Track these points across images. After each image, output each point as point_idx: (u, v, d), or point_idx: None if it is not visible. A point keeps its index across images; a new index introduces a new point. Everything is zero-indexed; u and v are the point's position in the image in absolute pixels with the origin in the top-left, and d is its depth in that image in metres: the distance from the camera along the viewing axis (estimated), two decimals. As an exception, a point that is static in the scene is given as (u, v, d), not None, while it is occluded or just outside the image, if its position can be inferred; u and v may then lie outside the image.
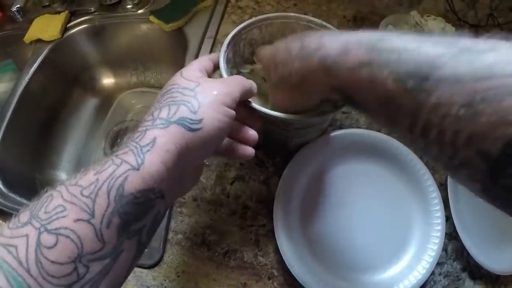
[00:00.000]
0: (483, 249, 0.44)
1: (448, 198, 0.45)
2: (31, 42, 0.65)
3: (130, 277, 0.42)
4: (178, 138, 0.26)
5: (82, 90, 0.73)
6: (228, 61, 0.41)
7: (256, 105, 0.36)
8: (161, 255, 0.44)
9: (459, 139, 0.20)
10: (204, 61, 0.34)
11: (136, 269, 0.43)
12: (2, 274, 0.20)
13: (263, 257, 0.43)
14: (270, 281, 0.42)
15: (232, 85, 0.31)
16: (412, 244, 0.43)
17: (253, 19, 0.43)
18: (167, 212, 0.46)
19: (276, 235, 0.42)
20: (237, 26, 0.43)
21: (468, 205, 0.47)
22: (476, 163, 0.20)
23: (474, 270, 0.44)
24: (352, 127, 0.52)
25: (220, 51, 0.40)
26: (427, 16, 0.58)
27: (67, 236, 0.21)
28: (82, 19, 0.68)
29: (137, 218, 0.24)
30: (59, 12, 0.68)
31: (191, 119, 0.26)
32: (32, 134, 0.64)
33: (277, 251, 0.43)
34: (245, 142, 0.34)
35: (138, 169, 0.23)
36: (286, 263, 0.40)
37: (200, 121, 0.27)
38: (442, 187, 0.47)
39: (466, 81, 0.20)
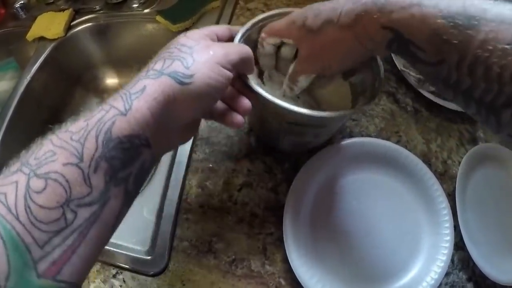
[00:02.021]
0: (489, 259, 0.44)
1: (456, 208, 0.45)
2: (33, 40, 0.64)
3: (134, 285, 0.41)
4: (167, 89, 0.26)
5: (85, 90, 0.72)
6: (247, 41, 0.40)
7: (253, 83, 0.35)
8: (166, 262, 0.43)
9: (505, 74, 0.23)
10: (218, 28, 0.34)
11: (140, 277, 0.42)
12: None
13: (271, 266, 0.43)
14: (278, 291, 0.42)
15: (230, 49, 0.31)
16: (422, 255, 0.43)
17: (263, 15, 0.41)
18: (173, 218, 0.45)
19: (285, 244, 0.41)
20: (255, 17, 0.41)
21: (475, 215, 0.47)
22: None
23: (479, 280, 0.44)
24: (362, 135, 0.51)
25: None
26: None
27: (56, 180, 0.21)
28: (87, 17, 0.67)
29: (123, 164, 0.24)
30: (63, 10, 0.67)
31: (183, 73, 0.27)
32: (33, 134, 0.61)
33: (285, 260, 0.42)
34: (237, 110, 0.34)
35: (125, 114, 0.24)
36: (295, 272, 0.40)
37: (191, 76, 0.27)
38: (450, 197, 0.47)
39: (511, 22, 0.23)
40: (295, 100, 0.43)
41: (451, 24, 0.24)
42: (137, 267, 0.43)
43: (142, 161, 0.25)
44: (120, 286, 0.42)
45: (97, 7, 0.67)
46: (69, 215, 0.21)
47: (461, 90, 0.26)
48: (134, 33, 0.69)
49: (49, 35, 0.64)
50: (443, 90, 0.28)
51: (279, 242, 0.43)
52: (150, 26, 0.67)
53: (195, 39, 0.30)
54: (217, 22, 0.62)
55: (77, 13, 0.67)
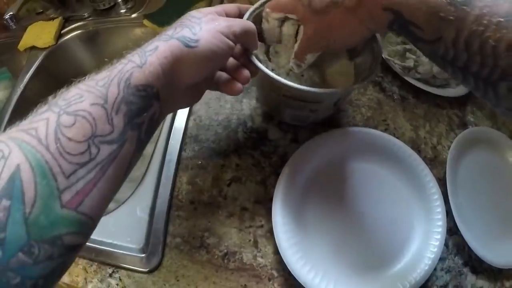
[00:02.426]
0: (484, 243, 0.44)
1: (447, 193, 0.45)
2: (25, 50, 0.65)
3: (130, 282, 0.42)
4: (175, 49, 0.29)
5: (78, 96, 0.73)
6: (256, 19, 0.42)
7: (254, 58, 0.38)
8: (160, 259, 0.43)
9: (500, 47, 0.23)
10: (228, 6, 0.38)
11: (135, 275, 0.43)
12: (21, 152, 0.21)
13: (263, 258, 0.43)
14: (271, 282, 0.42)
15: (234, 22, 0.34)
16: (414, 241, 0.43)
17: None
18: (165, 216, 0.45)
19: (275, 235, 0.41)
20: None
21: (467, 199, 0.47)
22: None
23: (475, 264, 0.44)
24: (349, 125, 0.52)
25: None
26: None
27: (84, 117, 0.24)
28: (76, 25, 0.68)
29: (139, 110, 0.27)
30: (52, 19, 0.68)
31: (189, 38, 0.30)
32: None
33: (276, 251, 0.42)
34: (238, 79, 0.38)
35: (141, 67, 0.27)
36: (286, 263, 0.40)
37: (197, 41, 0.31)
38: (441, 182, 0.47)
39: None
40: (299, 78, 0.44)
41: (448, 1, 0.26)
42: (132, 265, 0.43)
43: (153, 112, 0.29)
44: (117, 284, 0.42)
45: (86, 14, 0.68)
46: (93, 150, 0.24)
47: (458, 65, 0.27)
48: (123, 38, 0.69)
49: (40, 44, 0.65)
50: (442, 66, 0.30)
51: (270, 234, 0.44)
52: (138, 31, 0.68)
53: (205, 13, 0.34)
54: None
55: (66, 21, 0.68)
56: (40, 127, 0.23)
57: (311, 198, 0.45)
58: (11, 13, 0.62)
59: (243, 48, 0.39)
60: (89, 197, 0.23)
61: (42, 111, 0.24)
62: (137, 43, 0.69)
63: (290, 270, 0.40)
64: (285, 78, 0.38)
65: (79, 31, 0.68)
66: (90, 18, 0.68)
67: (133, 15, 0.68)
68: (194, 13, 0.34)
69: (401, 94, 0.55)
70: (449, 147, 0.50)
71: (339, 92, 0.41)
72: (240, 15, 0.40)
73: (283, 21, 0.40)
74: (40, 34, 0.66)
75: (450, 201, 0.45)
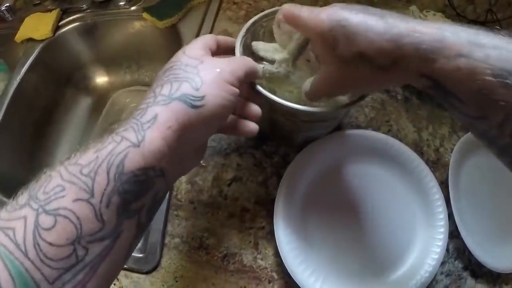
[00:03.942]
0: (484, 247, 0.43)
1: (449, 196, 0.45)
2: (22, 42, 0.64)
3: (128, 283, 0.42)
4: (180, 114, 0.25)
5: (75, 90, 0.72)
6: (245, 47, 0.40)
7: (263, 90, 0.36)
8: (158, 260, 0.43)
9: None
10: (208, 39, 0.33)
11: (133, 275, 0.42)
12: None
13: (263, 260, 0.43)
14: (270, 284, 0.41)
15: (236, 64, 0.30)
16: (416, 247, 0.43)
17: (276, 8, 0.42)
18: (163, 215, 0.45)
19: (276, 238, 0.41)
20: (256, 15, 0.42)
21: (469, 202, 0.47)
22: None
23: (475, 268, 0.44)
24: (352, 126, 0.51)
25: (237, 36, 0.40)
26: (426, 11, 0.57)
27: (66, 217, 0.21)
28: (74, 17, 0.67)
29: (137, 196, 0.23)
30: (50, 10, 0.66)
31: (193, 96, 0.26)
32: (25, 135, 0.62)
33: (277, 253, 0.42)
34: (248, 117, 0.34)
35: (138, 146, 0.23)
36: (287, 266, 0.39)
37: (202, 97, 0.26)
38: (443, 185, 0.46)
39: None
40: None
41: (502, 83, 0.23)
42: (130, 265, 0.43)
43: (156, 192, 0.25)
44: (114, 284, 0.42)
45: (84, 6, 0.67)
46: (80, 252, 0.21)
47: (498, 145, 0.25)
48: (122, 31, 0.68)
49: (37, 36, 0.63)
50: (478, 137, 0.27)
51: (271, 236, 0.43)
52: (137, 24, 0.67)
53: (197, 56, 0.29)
54: (204, 17, 0.61)
55: (64, 13, 0.67)
56: (18, 228, 0.20)
57: (313, 201, 0.44)
58: (8, 4, 0.61)
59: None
60: None
61: (21, 204, 0.21)
62: (136, 37, 0.68)
63: (291, 273, 0.39)
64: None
65: (77, 23, 0.66)
66: (88, 10, 0.67)
67: (132, 8, 0.66)
68: (186, 60, 0.28)
69: (404, 95, 0.55)
70: (451, 149, 0.49)
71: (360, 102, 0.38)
72: (219, 47, 0.34)
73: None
74: (37, 26, 0.64)
75: (452, 205, 0.44)
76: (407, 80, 0.28)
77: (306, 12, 0.29)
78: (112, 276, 0.24)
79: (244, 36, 0.40)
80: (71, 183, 0.22)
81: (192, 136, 0.26)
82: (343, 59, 0.28)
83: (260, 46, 0.39)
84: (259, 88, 0.36)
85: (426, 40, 0.25)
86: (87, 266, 0.21)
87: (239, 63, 0.31)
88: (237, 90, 0.29)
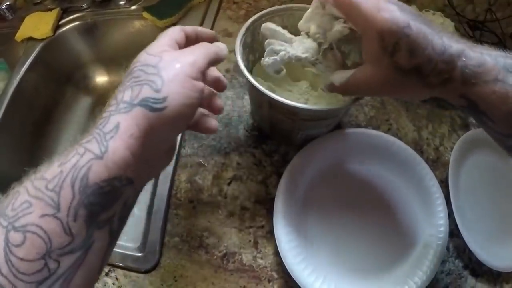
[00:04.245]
0: (484, 246, 0.43)
1: (449, 195, 0.45)
2: (22, 41, 0.64)
3: (127, 282, 0.41)
4: (142, 120, 0.24)
5: (75, 89, 0.71)
6: (245, 45, 0.41)
7: (263, 88, 0.36)
8: (158, 259, 0.43)
9: None
10: (174, 32, 0.30)
11: (132, 274, 0.42)
12: None
13: (263, 259, 0.43)
14: (270, 284, 0.41)
15: (196, 54, 0.28)
16: (416, 245, 0.43)
17: (276, 7, 0.42)
18: (163, 214, 0.45)
19: (276, 237, 0.41)
20: (257, 13, 0.43)
21: (469, 201, 0.46)
22: None
23: (476, 267, 0.44)
24: (352, 124, 0.51)
25: (238, 35, 0.40)
26: (426, 11, 0.57)
27: (34, 233, 0.21)
28: (74, 16, 0.67)
29: (104, 207, 0.23)
30: (50, 9, 0.66)
31: (154, 99, 0.24)
32: (25, 134, 0.62)
33: (276, 252, 0.42)
34: (212, 112, 0.33)
35: (101, 158, 0.23)
36: (286, 265, 0.39)
37: (164, 99, 0.25)
38: (443, 184, 0.46)
39: None
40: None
41: None
42: (129, 264, 0.43)
43: (125, 200, 0.24)
44: (113, 283, 0.42)
45: (84, 5, 0.67)
46: (52, 265, 0.21)
47: None
48: (122, 30, 0.68)
49: (37, 35, 0.63)
50: (506, 150, 0.29)
51: (270, 235, 0.43)
52: (137, 23, 0.67)
53: (156, 53, 0.27)
54: (204, 17, 0.61)
55: (64, 12, 0.67)
56: None
57: (313, 199, 0.44)
58: (8, 3, 0.61)
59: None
60: None
61: None
62: (137, 36, 0.68)
63: (291, 272, 0.39)
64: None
65: (77, 23, 0.67)
66: (88, 10, 0.67)
67: (133, 7, 0.66)
68: (145, 59, 0.26)
69: (404, 94, 0.54)
70: (451, 148, 0.49)
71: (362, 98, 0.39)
72: (188, 38, 0.31)
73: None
74: (37, 25, 0.64)
75: (452, 204, 0.44)
76: (444, 97, 0.29)
77: (366, 4, 0.28)
78: (89, 284, 0.24)
79: (244, 35, 0.40)
80: (37, 198, 0.22)
81: (158, 139, 0.26)
82: (397, 68, 0.28)
83: (273, 41, 0.38)
84: (260, 87, 0.36)
85: (469, 65, 0.27)
86: (60, 278, 0.21)
87: (199, 52, 0.28)
88: (201, 85, 0.27)
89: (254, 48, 0.45)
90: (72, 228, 0.22)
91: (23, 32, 0.63)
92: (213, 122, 0.33)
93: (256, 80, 0.37)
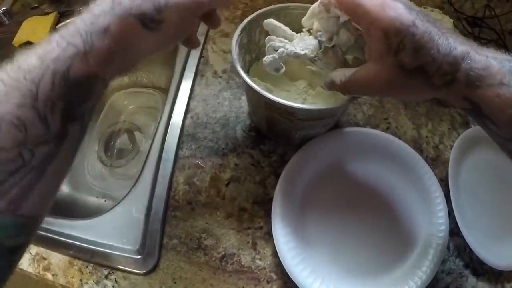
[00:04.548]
0: (485, 245, 0.43)
1: (449, 194, 0.44)
2: (20, 45, 0.64)
3: (126, 284, 0.41)
4: (131, 32, 0.25)
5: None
6: (241, 46, 0.41)
7: (259, 88, 0.35)
8: (157, 261, 0.42)
9: None
10: None
11: (131, 276, 0.42)
12: None
13: (261, 260, 0.42)
14: (269, 285, 0.41)
15: None
16: (416, 245, 0.42)
17: (272, 6, 0.42)
18: (161, 216, 0.44)
19: (274, 238, 0.41)
20: (253, 12, 0.43)
21: (469, 200, 0.46)
22: None
23: (476, 266, 0.43)
24: (350, 123, 0.50)
25: (234, 35, 0.40)
26: (424, 7, 0.56)
27: (11, 122, 0.21)
28: (72, 19, 0.67)
29: (80, 102, 0.24)
30: (47, 13, 0.66)
31: (151, 17, 0.25)
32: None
33: (275, 254, 0.42)
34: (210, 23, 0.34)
35: (85, 54, 0.23)
36: (285, 266, 0.39)
37: (159, 22, 0.25)
38: (443, 183, 0.46)
39: None
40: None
41: None
42: (128, 266, 0.42)
43: (98, 96, 0.25)
44: (113, 286, 0.42)
45: (81, 9, 0.66)
46: (26, 155, 0.21)
47: None
48: (119, 33, 0.68)
49: (35, 39, 0.63)
50: (505, 152, 0.29)
51: (269, 236, 0.43)
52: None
53: None
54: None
55: (61, 16, 0.67)
56: None
57: (312, 200, 0.44)
58: (5, 8, 0.61)
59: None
60: (28, 200, 0.22)
61: None
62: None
63: (289, 273, 0.39)
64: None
65: (74, 26, 0.66)
66: (85, 13, 0.67)
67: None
68: None
69: (403, 92, 0.54)
70: (451, 146, 0.49)
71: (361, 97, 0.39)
72: None
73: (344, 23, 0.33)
74: (35, 29, 0.64)
75: (452, 202, 0.44)
76: (447, 98, 0.29)
77: (371, 2, 0.27)
78: (59, 179, 0.25)
79: (239, 35, 0.40)
80: (14, 88, 0.22)
81: (140, 49, 0.26)
82: (401, 67, 0.27)
83: (274, 37, 0.38)
84: (256, 87, 0.36)
85: (474, 68, 0.26)
86: (33, 169, 0.22)
87: None
88: (197, 21, 0.28)
89: (251, 49, 0.45)
90: (48, 119, 0.22)
91: (20, 36, 0.63)
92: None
93: (253, 81, 0.37)
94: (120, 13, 0.24)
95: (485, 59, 0.26)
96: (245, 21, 0.41)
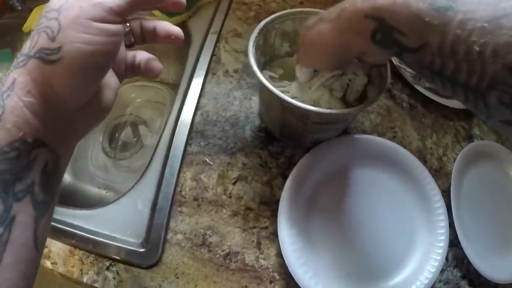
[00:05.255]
0: (483, 257, 0.44)
1: (450, 205, 0.45)
2: (29, 32, 0.64)
3: (127, 277, 0.41)
4: (37, 75, 0.21)
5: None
6: (257, 48, 0.41)
7: (277, 90, 0.36)
8: (160, 255, 0.42)
9: (486, 52, 0.22)
10: None
11: (133, 269, 0.42)
12: None
13: (265, 260, 0.43)
14: (272, 284, 0.41)
15: None
16: (416, 253, 0.43)
17: (288, 10, 0.43)
18: (167, 211, 0.44)
19: (279, 238, 0.41)
20: (270, 15, 0.43)
21: (469, 212, 0.47)
22: (504, 81, 0.21)
23: (473, 278, 0.44)
24: (357, 130, 0.51)
25: (250, 36, 0.41)
26: None
27: None
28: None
29: (18, 175, 0.21)
30: (59, 1, 0.66)
31: (48, 49, 0.21)
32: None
33: (279, 254, 0.42)
34: (145, 72, 0.29)
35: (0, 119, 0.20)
36: (289, 267, 0.40)
37: (57, 50, 0.21)
38: (445, 194, 0.47)
39: (489, 2, 0.23)
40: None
41: (432, 6, 0.25)
42: (131, 259, 0.42)
43: (43, 164, 0.22)
44: (114, 278, 0.42)
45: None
46: None
47: (447, 75, 0.26)
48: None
49: (44, 27, 0.63)
50: (430, 79, 0.28)
51: (274, 236, 0.43)
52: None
53: None
54: (214, 16, 0.61)
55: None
56: None
57: (318, 203, 0.44)
58: (18, -8, 0.61)
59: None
60: None
61: None
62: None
63: (293, 275, 0.39)
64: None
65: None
66: (98, 2, 0.67)
67: None
68: (52, 2, 0.23)
69: (410, 103, 0.55)
70: (454, 159, 0.50)
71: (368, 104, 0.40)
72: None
73: None
74: (44, 16, 0.64)
75: (453, 214, 0.45)
76: (354, 26, 0.30)
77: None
78: (25, 263, 0.22)
79: (256, 37, 0.41)
80: None
81: (64, 95, 0.22)
82: (308, 27, 0.34)
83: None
84: (273, 88, 0.36)
85: None
86: None
87: None
88: (112, 27, 0.22)
89: (266, 51, 0.45)
90: None
91: (30, 23, 0.63)
92: (155, 64, 0.29)
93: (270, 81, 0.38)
94: (22, 61, 0.22)
95: None
96: (262, 23, 0.42)
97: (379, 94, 0.38)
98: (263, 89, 0.40)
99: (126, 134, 0.67)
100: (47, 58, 0.21)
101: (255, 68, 0.38)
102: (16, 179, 0.21)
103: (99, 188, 0.63)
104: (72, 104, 0.23)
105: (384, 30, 0.28)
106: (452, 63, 0.24)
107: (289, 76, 0.44)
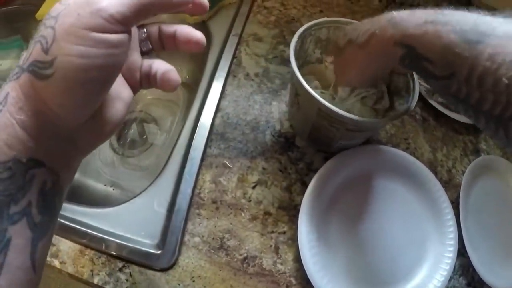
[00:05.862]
0: (488, 266, 0.46)
1: (459, 216, 0.47)
2: (42, 20, 0.62)
3: (141, 279, 0.41)
4: (30, 90, 0.19)
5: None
6: (296, 52, 0.42)
7: (316, 95, 0.38)
8: (176, 258, 0.42)
9: None
10: None
11: (148, 272, 0.41)
12: None
13: (282, 265, 0.43)
14: (289, 290, 0.42)
15: None
16: (426, 263, 0.44)
17: (326, 18, 0.45)
18: (185, 213, 0.44)
19: (299, 243, 0.41)
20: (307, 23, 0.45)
21: (476, 223, 0.49)
22: None
23: (477, 286, 0.46)
24: (374, 140, 0.52)
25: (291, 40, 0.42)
26: None
27: None
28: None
29: (13, 197, 0.19)
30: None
31: (41, 62, 0.19)
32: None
33: (296, 259, 0.42)
34: (162, 84, 0.26)
35: None
36: (307, 272, 0.40)
37: (51, 63, 0.18)
38: (454, 205, 0.48)
39: None
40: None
41: (463, 39, 0.26)
42: (145, 261, 0.42)
43: (41, 184, 0.20)
44: (126, 280, 0.41)
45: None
46: None
47: (470, 103, 0.27)
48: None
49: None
50: (454, 104, 0.29)
51: (292, 242, 0.44)
52: (164, 17, 0.66)
53: (65, 1, 0.20)
54: (234, 18, 0.61)
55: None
56: None
57: (336, 210, 0.45)
58: (32, -21, 0.59)
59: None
60: None
61: None
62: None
63: (310, 279, 0.40)
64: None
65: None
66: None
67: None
68: (53, 7, 0.20)
69: (422, 115, 0.57)
70: (462, 171, 0.52)
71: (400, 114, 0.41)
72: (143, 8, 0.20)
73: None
74: (58, 5, 0.62)
75: (461, 224, 0.46)
76: (384, 51, 0.32)
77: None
78: (19, 287, 0.20)
79: (296, 42, 0.42)
80: None
81: (60, 112, 0.20)
82: (339, 49, 0.38)
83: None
84: (315, 94, 0.38)
85: (399, 16, 0.31)
86: None
87: None
88: (112, 37, 0.19)
89: (300, 56, 0.46)
90: None
91: (44, 10, 0.61)
92: (173, 75, 0.25)
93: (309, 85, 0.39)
94: (16, 74, 0.20)
95: (410, 11, 0.31)
96: (302, 29, 0.43)
97: (412, 104, 0.40)
98: (300, 92, 0.40)
99: (135, 131, 0.66)
100: (39, 72, 0.19)
101: (297, 73, 0.39)
102: (11, 201, 0.19)
103: (105, 184, 0.61)
104: (70, 121, 0.21)
105: (413, 57, 0.30)
106: (478, 93, 0.26)
107: (320, 82, 0.45)
